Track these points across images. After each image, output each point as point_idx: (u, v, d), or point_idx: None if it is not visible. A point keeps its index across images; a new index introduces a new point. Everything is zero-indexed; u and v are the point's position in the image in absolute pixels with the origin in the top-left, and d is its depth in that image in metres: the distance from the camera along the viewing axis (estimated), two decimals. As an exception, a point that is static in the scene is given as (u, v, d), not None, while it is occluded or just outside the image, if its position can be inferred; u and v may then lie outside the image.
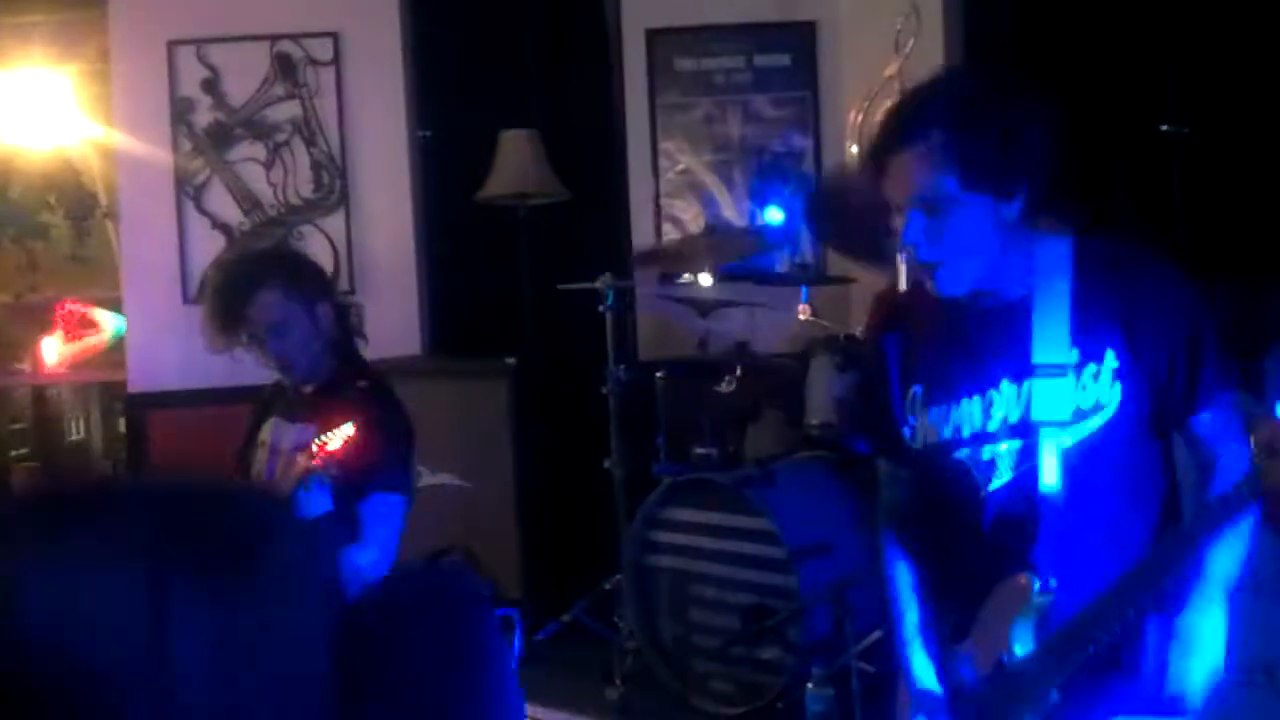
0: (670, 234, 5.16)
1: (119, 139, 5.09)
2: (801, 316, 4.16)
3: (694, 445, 4.10)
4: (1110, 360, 1.76)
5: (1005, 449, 1.81)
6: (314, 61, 5.09)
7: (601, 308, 4.13)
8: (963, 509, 1.85)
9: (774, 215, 4.76)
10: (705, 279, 4.18)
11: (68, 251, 5.69)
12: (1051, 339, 1.77)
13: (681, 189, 5.22)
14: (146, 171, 5.06)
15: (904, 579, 1.99)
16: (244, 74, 5.07)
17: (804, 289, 4.21)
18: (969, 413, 1.84)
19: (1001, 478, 1.81)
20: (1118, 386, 1.77)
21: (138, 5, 5.12)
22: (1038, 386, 1.77)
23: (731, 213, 5.19)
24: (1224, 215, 4.17)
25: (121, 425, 5.46)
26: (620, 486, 4.14)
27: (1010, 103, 1.75)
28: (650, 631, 3.84)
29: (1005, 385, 1.81)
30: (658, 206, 5.20)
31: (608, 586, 4.19)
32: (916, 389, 1.90)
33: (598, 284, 4.12)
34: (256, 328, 2.76)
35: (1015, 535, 1.77)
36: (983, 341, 1.84)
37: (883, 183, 1.77)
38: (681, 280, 4.46)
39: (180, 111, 5.06)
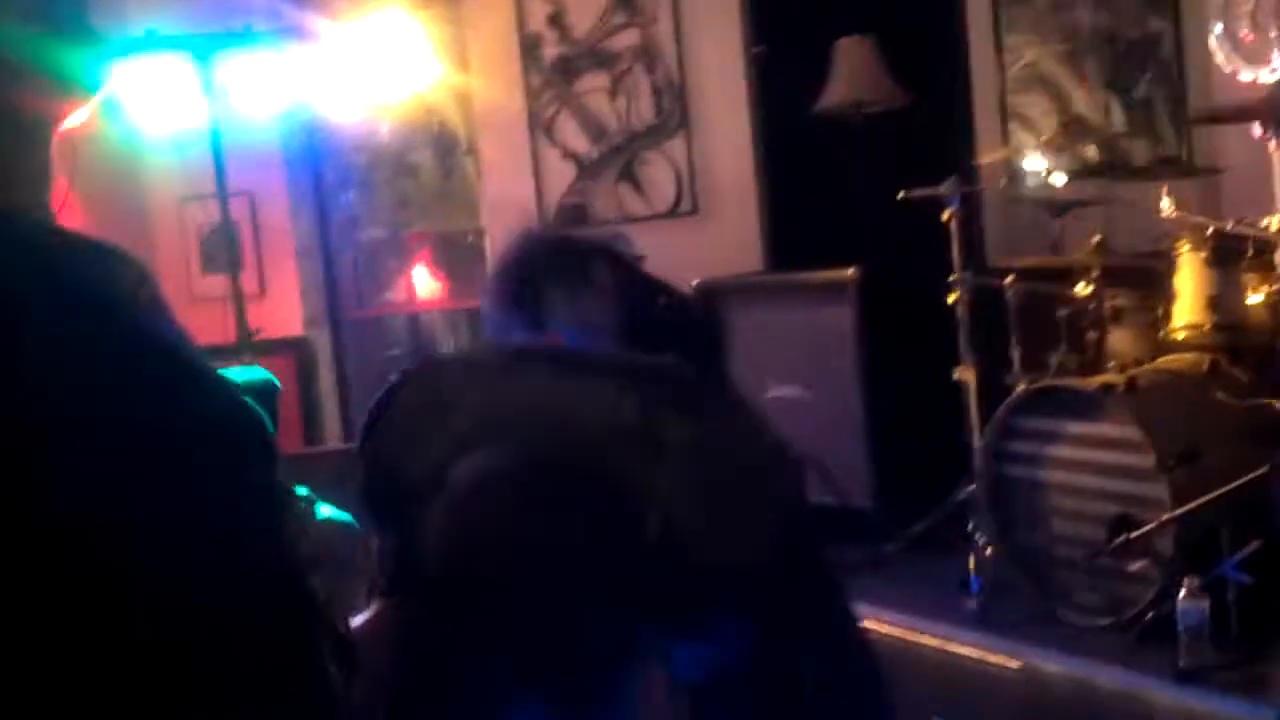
0: (1017, 133, 4.94)
1: (473, 78, 5.38)
2: (1165, 212, 3.90)
3: (1048, 352, 3.96)
4: None
5: None
6: (651, -12, 5.20)
7: (947, 214, 4.03)
8: None
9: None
10: (1058, 177, 3.99)
11: (435, 188, 6.10)
12: None
13: (1029, 84, 4.98)
14: (500, 107, 5.34)
15: None
16: (586, 6, 5.25)
17: (1167, 183, 3.94)
18: None
19: None
20: None
21: (485, -51, 5.38)
22: None
23: (1084, 106, 4.92)
24: None
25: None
26: (971, 396, 4.06)
27: None
28: (1009, 542, 3.77)
29: None
30: (1003, 104, 4.99)
31: (961, 497, 4.14)
32: None
33: (942, 189, 4.03)
34: None
35: None
36: None
37: None
38: (1032, 181, 4.28)
39: (528, 47, 5.30)
